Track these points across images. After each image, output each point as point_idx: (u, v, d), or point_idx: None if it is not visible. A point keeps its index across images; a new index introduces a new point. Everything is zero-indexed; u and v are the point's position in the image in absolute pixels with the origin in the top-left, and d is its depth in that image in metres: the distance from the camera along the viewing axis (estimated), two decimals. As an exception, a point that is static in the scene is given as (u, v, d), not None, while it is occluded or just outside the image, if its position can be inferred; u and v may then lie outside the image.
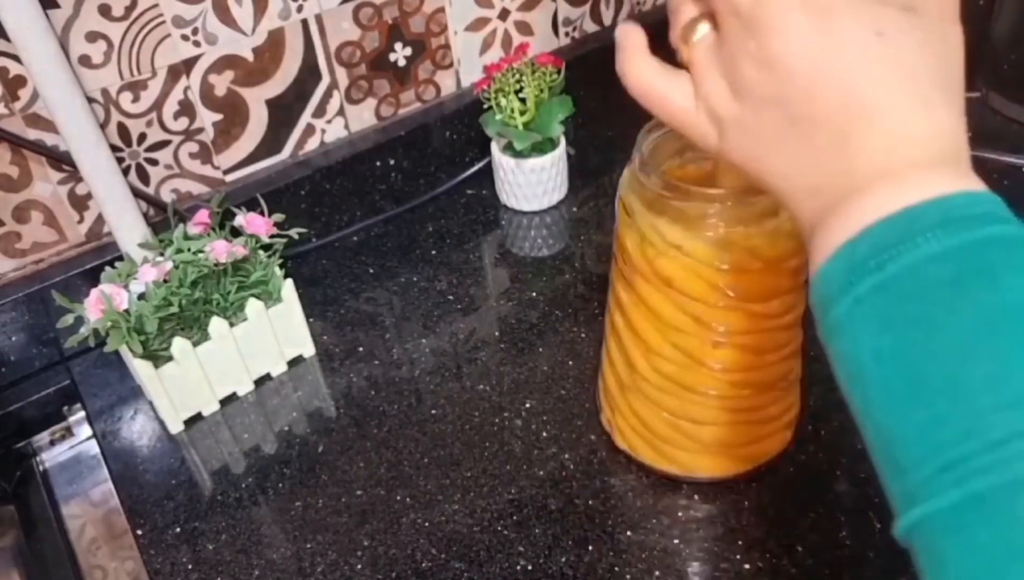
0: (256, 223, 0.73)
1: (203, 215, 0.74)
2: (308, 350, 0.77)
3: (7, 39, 0.66)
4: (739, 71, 0.34)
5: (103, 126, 0.75)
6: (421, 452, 0.67)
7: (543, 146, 0.87)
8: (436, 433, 0.69)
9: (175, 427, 0.72)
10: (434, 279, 0.83)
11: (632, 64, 0.43)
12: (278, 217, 0.75)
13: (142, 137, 0.78)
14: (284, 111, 0.85)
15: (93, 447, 0.77)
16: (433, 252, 0.87)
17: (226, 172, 0.85)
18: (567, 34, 1.00)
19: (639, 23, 0.43)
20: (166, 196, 0.82)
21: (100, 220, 0.79)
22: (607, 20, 1.02)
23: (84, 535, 0.73)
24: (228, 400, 0.74)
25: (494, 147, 0.89)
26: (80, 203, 0.78)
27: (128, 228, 0.75)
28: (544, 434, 0.67)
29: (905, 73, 0.31)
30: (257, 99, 0.83)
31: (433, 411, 0.71)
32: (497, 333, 0.77)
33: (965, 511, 0.25)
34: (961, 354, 0.27)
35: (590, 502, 0.62)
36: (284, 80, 0.83)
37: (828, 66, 0.31)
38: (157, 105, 0.77)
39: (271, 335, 0.74)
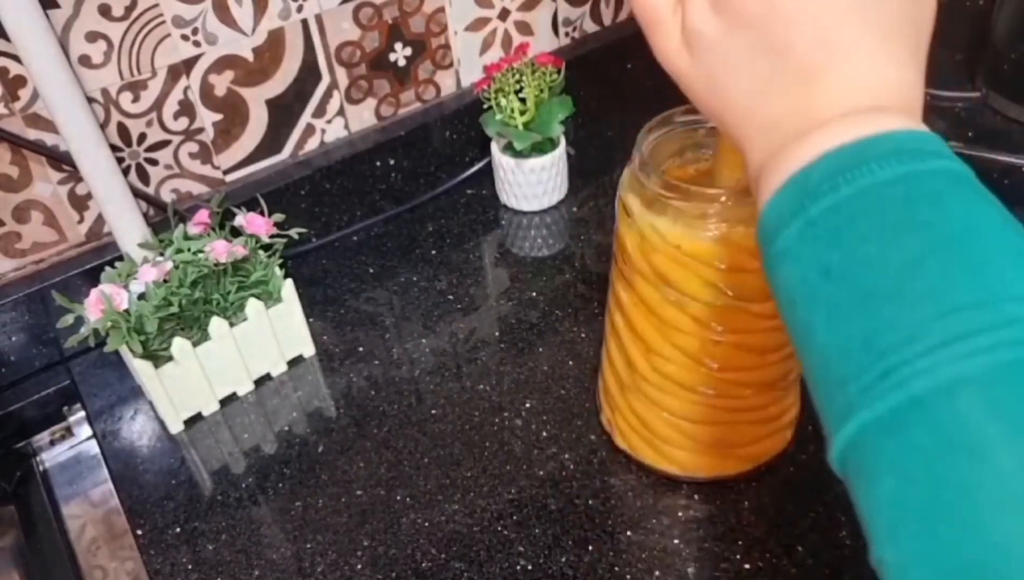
0: (256, 223, 0.73)
1: (203, 215, 0.74)
2: (308, 350, 0.77)
3: (7, 39, 0.66)
4: None
5: (103, 126, 0.75)
6: (421, 452, 0.67)
7: (543, 146, 0.87)
8: (436, 433, 0.69)
9: (175, 427, 0.72)
10: (434, 279, 0.83)
11: None
12: (278, 217, 0.75)
13: (142, 137, 0.78)
14: (284, 111, 0.85)
15: (93, 447, 0.77)
16: (433, 252, 0.87)
17: (226, 172, 0.85)
18: (567, 34, 1.00)
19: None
20: (166, 196, 0.82)
21: (100, 220, 0.79)
22: (607, 20, 1.02)
23: (84, 535, 0.73)
24: (228, 400, 0.74)
25: (494, 147, 0.89)
26: (80, 203, 0.78)
27: (128, 228, 0.75)
28: (544, 434, 0.67)
29: (879, 24, 0.32)
30: (257, 99, 0.83)
31: (433, 411, 0.71)
32: (497, 333, 0.77)
33: (904, 414, 0.26)
34: (908, 267, 0.28)
35: (590, 502, 0.62)
36: (284, 80, 0.83)
37: (812, 2, 0.32)
38: (157, 105, 0.77)
39: (271, 335, 0.74)
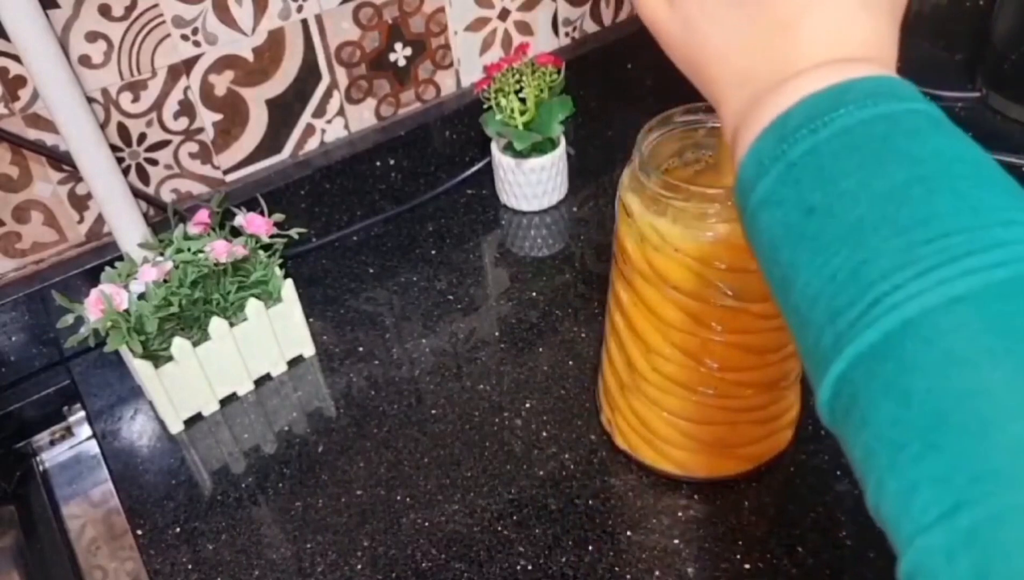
0: (256, 223, 0.73)
1: (203, 215, 0.74)
2: (308, 350, 0.77)
3: (7, 39, 0.66)
4: None
5: (103, 126, 0.75)
6: (421, 452, 0.67)
7: (543, 146, 0.87)
8: (436, 433, 0.69)
9: (175, 427, 0.72)
10: (434, 279, 0.83)
11: None
12: (278, 217, 0.75)
13: (142, 137, 0.78)
14: (284, 111, 0.85)
15: (93, 447, 0.77)
16: (433, 252, 0.87)
17: (226, 172, 0.85)
18: (567, 34, 1.00)
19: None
20: (166, 196, 0.82)
21: (100, 220, 0.79)
22: (607, 20, 1.02)
23: (84, 535, 0.73)
24: (228, 400, 0.74)
25: (494, 147, 0.89)
26: (80, 203, 0.78)
27: (128, 228, 0.75)
28: (544, 434, 0.67)
29: None
30: (257, 99, 0.83)
31: (433, 411, 0.71)
32: (497, 333, 0.77)
33: (899, 336, 0.26)
34: (893, 198, 0.28)
35: (590, 502, 0.62)
36: (284, 80, 0.83)
37: None
38: (157, 105, 0.77)
39: (271, 335, 0.74)
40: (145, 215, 0.78)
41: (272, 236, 0.74)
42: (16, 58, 0.69)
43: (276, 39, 0.81)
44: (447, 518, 0.62)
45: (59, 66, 0.67)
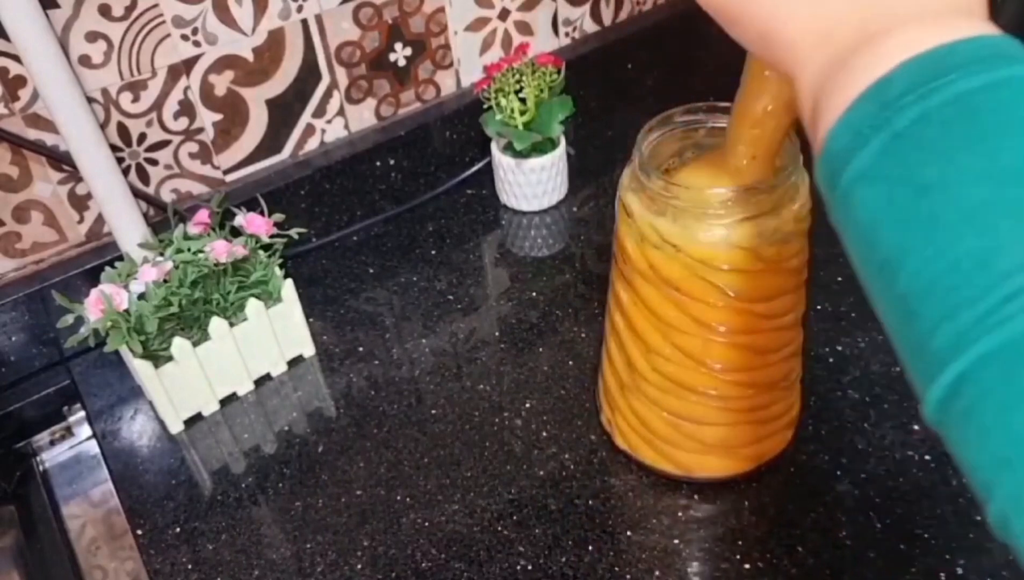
0: (256, 223, 0.73)
1: (203, 215, 0.74)
2: (308, 350, 0.77)
3: (7, 39, 0.66)
4: None
5: (103, 126, 0.75)
6: (421, 452, 0.67)
7: (543, 146, 0.87)
8: (436, 433, 0.69)
9: (175, 427, 0.72)
10: (434, 279, 0.83)
11: None
12: (278, 217, 0.75)
13: (142, 137, 0.78)
14: (284, 111, 0.85)
15: (93, 447, 0.77)
16: (433, 252, 0.87)
17: (226, 172, 0.85)
18: (567, 34, 1.00)
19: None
20: (166, 196, 0.82)
21: (100, 220, 0.79)
22: (607, 20, 1.02)
23: (84, 535, 0.73)
24: (228, 400, 0.74)
25: (494, 147, 0.89)
26: (80, 203, 0.78)
27: (128, 228, 0.75)
28: (544, 434, 0.67)
29: None
30: (257, 99, 0.83)
31: (433, 411, 0.70)
32: (497, 333, 0.77)
33: None
34: None
35: (590, 502, 0.62)
36: (284, 80, 0.83)
37: None
38: (157, 105, 0.77)
39: (271, 335, 0.74)
40: (145, 215, 0.78)
41: (272, 236, 0.74)
42: (16, 58, 0.69)
43: (276, 39, 0.81)
44: (447, 518, 0.62)
45: (59, 66, 0.67)
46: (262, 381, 0.76)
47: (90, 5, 0.70)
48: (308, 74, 0.84)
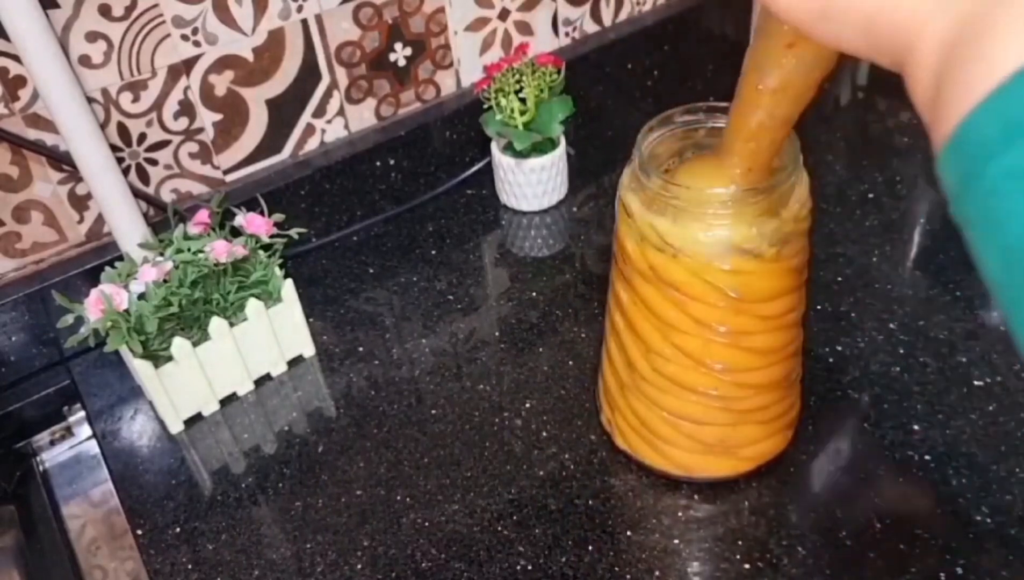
0: (256, 223, 0.73)
1: (203, 215, 0.74)
2: (308, 350, 0.77)
3: (7, 39, 0.66)
4: None
5: (103, 126, 0.75)
6: (421, 452, 0.67)
7: (543, 146, 0.87)
8: (436, 433, 0.69)
9: (175, 427, 0.72)
10: (434, 279, 0.83)
11: None
12: (278, 217, 0.75)
13: (142, 137, 0.78)
14: (284, 111, 0.85)
15: (93, 447, 0.77)
16: (433, 252, 0.87)
17: (226, 172, 0.85)
18: (567, 34, 1.00)
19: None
20: (166, 196, 0.82)
21: (100, 220, 0.79)
22: (607, 20, 1.02)
23: (84, 535, 0.73)
24: (228, 400, 0.74)
25: (494, 147, 0.89)
26: (80, 203, 0.78)
27: (128, 228, 0.75)
28: (544, 434, 0.67)
29: None
30: (257, 99, 0.83)
31: (433, 411, 0.70)
32: (497, 333, 0.77)
33: None
34: None
35: (590, 502, 0.62)
36: (284, 80, 0.83)
37: None
38: (157, 105, 0.77)
39: (271, 335, 0.74)
40: (145, 215, 0.78)
41: (272, 236, 0.74)
42: (16, 58, 0.69)
43: (276, 39, 0.81)
44: (447, 518, 0.62)
45: (59, 66, 0.67)
46: (262, 381, 0.76)
47: (90, 5, 0.70)
48: (308, 74, 0.84)
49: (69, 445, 0.80)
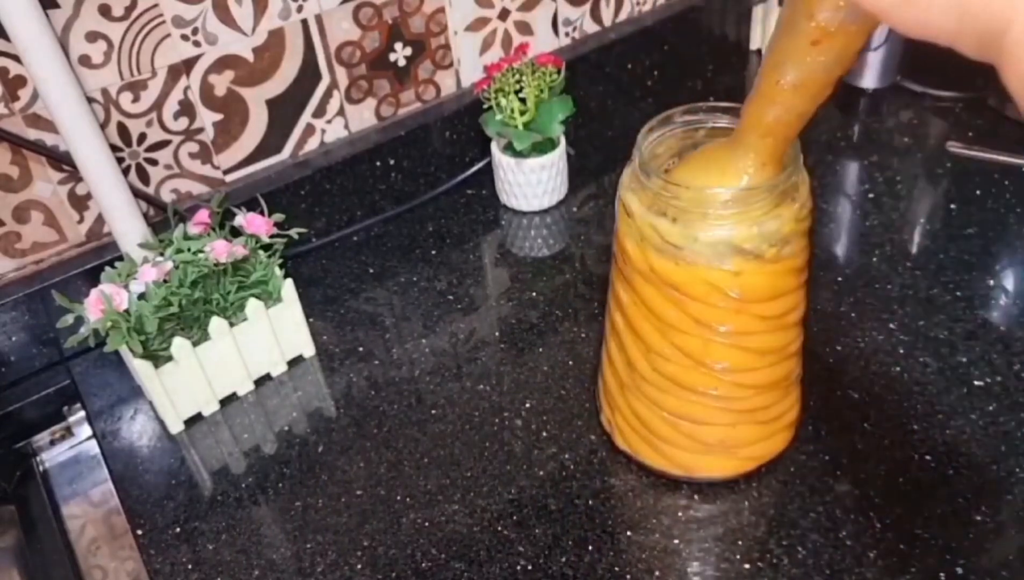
0: (256, 223, 0.73)
1: (203, 215, 0.74)
2: (308, 350, 0.77)
3: (7, 39, 0.66)
4: None
5: (103, 126, 0.75)
6: (421, 452, 0.67)
7: (543, 146, 0.87)
8: (436, 433, 0.69)
9: (175, 427, 0.72)
10: (434, 279, 0.83)
11: None
12: (278, 217, 0.75)
13: (142, 137, 0.78)
14: (284, 111, 0.85)
15: (93, 447, 0.77)
16: (433, 252, 0.87)
17: (226, 172, 0.85)
18: (567, 34, 1.00)
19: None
20: (166, 196, 0.82)
21: (100, 220, 0.79)
22: (607, 20, 1.02)
23: (84, 535, 0.73)
24: (228, 400, 0.74)
25: (494, 147, 0.89)
26: (80, 203, 0.78)
27: (128, 228, 0.75)
28: (544, 434, 0.67)
29: None
30: (257, 99, 0.83)
31: (433, 411, 0.70)
32: (497, 333, 0.77)
33: None
34: None
35: (590, 502, 0.62)
36: (284, 80, 0.83)
37: None
38: (157, 105, 0.77)
39: (271, 335, 0.74)
40: (145, 215, 0.78)
41: (272, 236, 0.74)
42: (16, 58, 0.69)
43: (276, 39, 0.81)
44: (447, 518, 0.62)
45: (59, 66, 0.67)
46: (262, 381, 0.76)
47: (90, 5, 0.70)
48: (308, 74, 0.84)
49: (69, 445, 0.80)
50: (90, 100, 0.73)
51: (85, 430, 0.79)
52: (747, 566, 0.57)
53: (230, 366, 0.72)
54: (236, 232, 0.74)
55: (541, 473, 0.65)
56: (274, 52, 0.81)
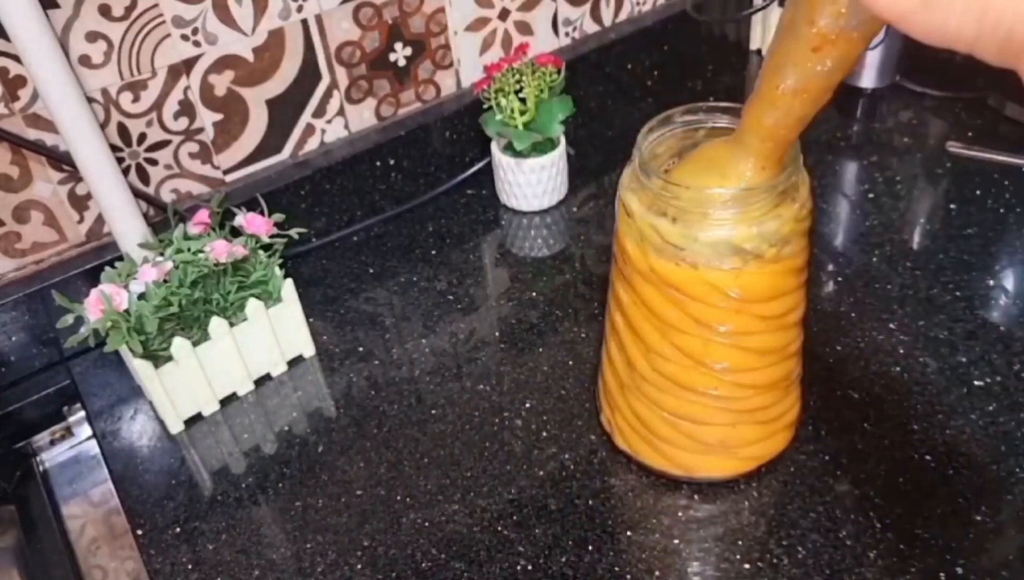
0: (256, 223, 0.73)
1: (203, 215, 0.74)
2: (308, 350, 0.77)
3: (7, 39, 0.66)
4: None
5: (103, 126, 0.75)
6: (421, 452, 0.67)
7: (543, 146, 0.87)
8: (436, 433, 0.69)
9: (175, 427, 0.72)
10: (434, 279, 0.83)
11: None
12: (278, 217, 0.75)
13: (142, 137, 0.78)
14: (284, 111, 0.85)
15: (93, 447, 0.77)
16: (433, 252, 0.87)
17: (226, 172, 0.85)
18: (567, 34, 1.00)
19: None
20: (166, 196, 0.82)
21: (100, 220, 0.79)
22: (607, 20, 1.02)
23: (84, 535, 0.73)
24: (228, 400, 0.74)
25: (494, 147, 0.89)
26: (80, 203, 0.78)
27: (128, 228, 0.75)
28: (544, 434, 0.67)
29: None
30: (257, 99, 0.83)
31: (433, 411, 0.71)
32: (497, 333, 0.77)
33: None
34: None
35: (590, 502, 0.62)
36: (284, 80, 0.83)
37: None
38: (157, 105, 0.77)
39: (271, 335, 0.74)
40: (145, 215, 0.78)
41: (272, 236, 0.74)
42: (16, 58, 0.68)
43: (276, 39, 0.81)
44: (447, 518, 0.62)
45: (59, 66, 0.67)
46: (262, 381, 0.76)
47: (90, 5, 0.70)
48: (308, 74, 0.84)
49: (69, 445, 0.80)
50: (90, 100, 0.73)
51: (85, 430, 0.79)
52: (747, 566, 0.57)
53: (230, 366, 0.72)
54: (236, 232, 0.74)
55: (541, 473, 0.65)
56: (274, 52, 0.81)
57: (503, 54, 0.96)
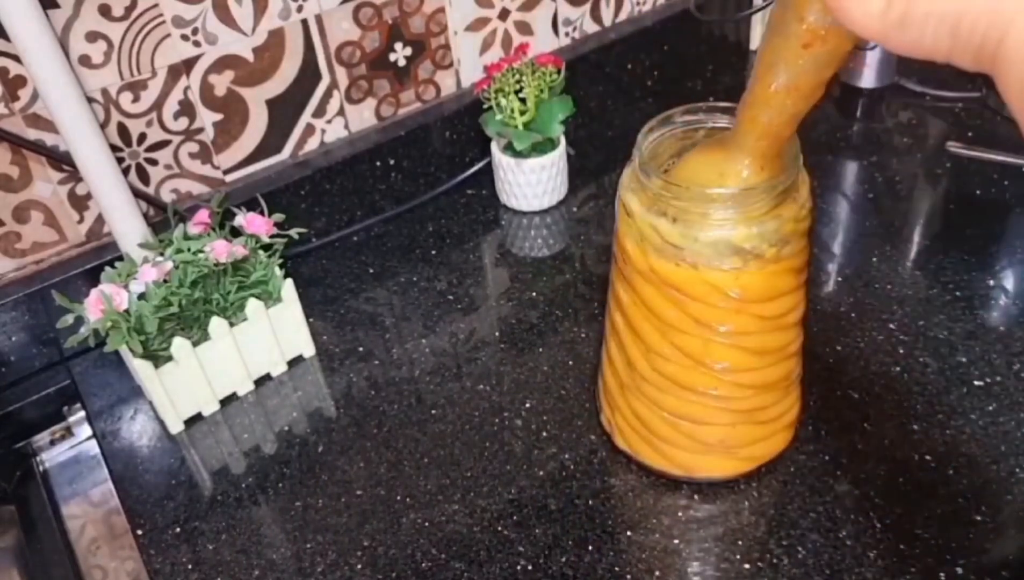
0: (256, 223, 0.73)
1: (203, 215, 0.74)
2: (308, 350, 0.77)
3: (7, 39, 0.66)
4: None
5: (103, 126, 0.75)
6: (421, 452, 0.67)
7: (543, 146, 0.87)
8: (436, 433, 0.69)
9: (175, 427, 0.72)
10: (434, 279, 0.83)
11: None
12: (278, 217, 0.75)
13: (142, 137, 0.78)
14: (284, 111, 0.85)
15: (93, 447, 0.77)
16: (433, 252, 0.87)
17: (226, 172, 0.85)
18: (567, 34, 1.00)
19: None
20: (166, 196, 0.82)
21: (100, 220, 0.79)
22: (607, 20, 1.02)
23: (84, 535, 0.73)
24: (228, 400, 0.74)
25: (494, 147, 0.89)
26: (80, 203, 0.78)
27: (128, 228, 0.75)
28: (544, 434, 0.67)
29: None
30: (257, 99, 0.83)
31: (433, 411, 0.71)
32: (497, 333, 0.77)
33: None
34: None
35: (590, 502, 0.62)
36: (284, 80, 0.83)
37: None
38: (157, 105, 0.77)
39: (271, 335, 0.74)
40: (145, 215, 0.78)
41: (272, 236, 0.74)
42: (16, 58, 0.69)
43: (276, 39, 0.81)
44: (447, 518, 0.62)
45: (59, 66, 0.67)
46: (262, 381, 0.76)
47: (90, 5, 0.70)
48: (308, 74, 0.84)
49: (69, 445, 0.80)
50: (90, 100, 0.73)
51: (85, 430, 0.79)
52: (747, 566, 0.57)
53: (230, 366, 0.72)
54: (236, 232, 0.74)
55: (541, 473, 0.65)
56: (274, 52, 0.81)
57: (503, 54, 0.96)
